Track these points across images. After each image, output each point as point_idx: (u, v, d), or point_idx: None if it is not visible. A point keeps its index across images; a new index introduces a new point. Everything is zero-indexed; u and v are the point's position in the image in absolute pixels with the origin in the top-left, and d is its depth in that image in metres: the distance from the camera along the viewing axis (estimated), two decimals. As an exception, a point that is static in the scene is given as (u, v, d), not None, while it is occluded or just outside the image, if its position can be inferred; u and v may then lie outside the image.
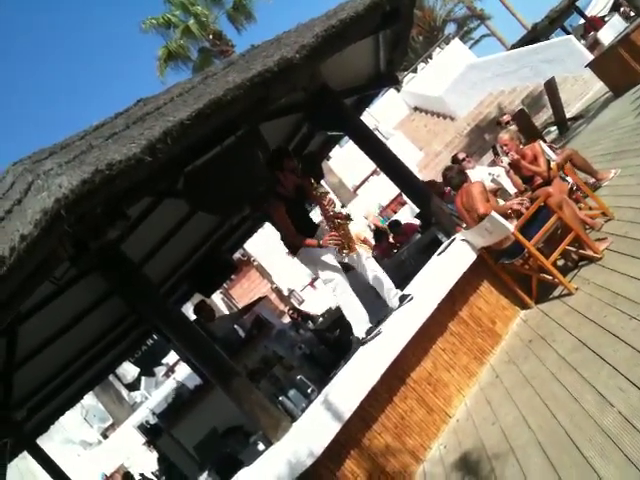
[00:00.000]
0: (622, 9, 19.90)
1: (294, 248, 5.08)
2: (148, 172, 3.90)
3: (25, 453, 7.09)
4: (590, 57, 15.17)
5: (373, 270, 5.20)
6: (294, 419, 4.48)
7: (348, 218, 5.02)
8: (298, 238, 5.01)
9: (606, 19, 19.90)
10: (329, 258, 5.01)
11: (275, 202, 5.14)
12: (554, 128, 13.32)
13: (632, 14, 17.74)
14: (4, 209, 3.80)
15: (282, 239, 5.22)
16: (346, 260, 5.09)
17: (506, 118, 8.95)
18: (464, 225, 5.78)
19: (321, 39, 4.90)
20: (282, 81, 4.77)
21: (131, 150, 3.76)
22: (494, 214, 4.94)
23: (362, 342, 4.85)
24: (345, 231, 4.97)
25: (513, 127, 7.18)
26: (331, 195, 5.20)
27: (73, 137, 4.44)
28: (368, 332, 4.88)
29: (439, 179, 18.02)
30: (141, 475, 9.33)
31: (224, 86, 4.38)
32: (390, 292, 5.18)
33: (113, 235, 4.17)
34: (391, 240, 10.44)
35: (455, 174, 5.88)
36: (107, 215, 4.00)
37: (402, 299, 5.07)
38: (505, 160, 6.32)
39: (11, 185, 3.93)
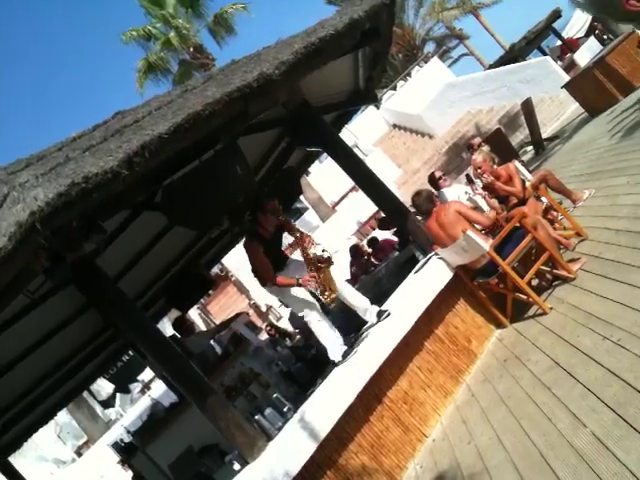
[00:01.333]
0: (597, 32, 20.31)
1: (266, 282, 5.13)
2: (125, 185, 3.88)
3: (-4, 471, 6.95)
4: (566, 78, 15.45)
5: (347, 293, 5.22)
6: (270, 438, 4.45)
7: (329, 262, 5.02)
8: (274, 277, 5.04)
9: (581, 42, 20.30)
10: (298, 292, 5.04)
11: (254, 244, 5.16)
12: (530, 148, 13.50)
13: (606, 37, 18.15)
14: (-22, 221, 3.74)
15: (254, 273, 5.22)
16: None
17: (476, 141, 9.04)
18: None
19: (300, 56, 4.93)
20: (261, 97, 4.79)
21: (108, 163, 3.74)
22: (470, 233, 4.97)
23: (337, 364, 4.85)
24: (325, 274, 4.97)
25: (486, 148, 7.23)
26: (311, 236, 5.22)
27: (50, 148, 4.42)
28: (344, 355, 4.90)
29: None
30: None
31: (203, 100, 4.39)
32: (366, 311, 5.19)
33: (89, 249, 4.15)
34: (368, 256, 10.45)
35: (423, 200, 5.75)
36: (83, 228, 3.97)
37: (380, 314, 5.08)
38: (479, 184, 6.34)
39: (-15, 197, 3.87)
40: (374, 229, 18.58)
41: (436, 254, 5.55)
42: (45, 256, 3.77)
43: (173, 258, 7.82)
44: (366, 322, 5.26)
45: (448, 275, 5.37)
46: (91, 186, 3.57)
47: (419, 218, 6.30)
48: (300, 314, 5.11)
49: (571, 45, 20.77)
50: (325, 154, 8.50)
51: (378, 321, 5.04)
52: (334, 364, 4.94)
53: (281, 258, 5.29)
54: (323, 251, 4.95)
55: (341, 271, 10.56)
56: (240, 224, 6.01)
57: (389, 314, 4.98)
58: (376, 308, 5.21)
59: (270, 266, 5.05)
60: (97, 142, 4.21)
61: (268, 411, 4.79)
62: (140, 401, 15.43)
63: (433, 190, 5.98)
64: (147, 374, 18.25)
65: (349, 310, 5.29)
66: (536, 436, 3.44)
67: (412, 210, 6.39)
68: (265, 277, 5.10)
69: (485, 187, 6.29)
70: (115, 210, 4.60)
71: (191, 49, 22.54)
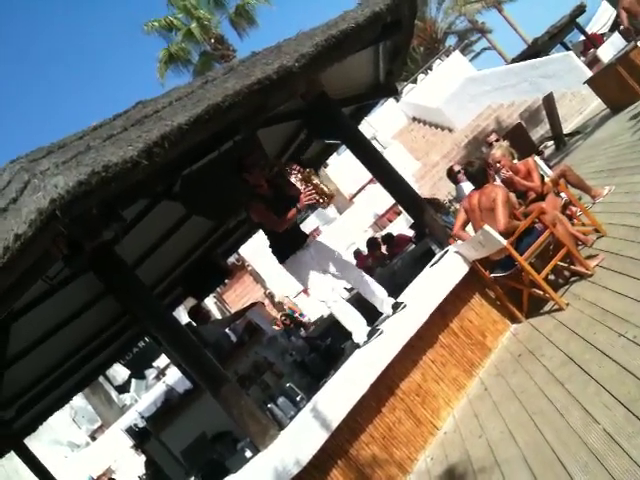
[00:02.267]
0: (621, 27, 19.98)
1: (281, 245, 5.07)
2: (144, 175, 3.92)
3: (12, 453, 7.07)
4: (589, 74, 15.25)
5: (365, 282, 5.21)
6: (282, 427, 4.48)
7: (311, 172, 5.00)
8: (282, 220, 4.92)
9: (605, 37, 20.03)
10: (313, 270, 5.02)
11: (253, 203, 5.06)
12: (551, 143, 13.39)
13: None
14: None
15: (270, 245, 5.16)
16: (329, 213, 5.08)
17: (493, 137, 8.95)
18: (453, 231, 5.73)
19: (321, 49, 4.93)
20: (281, 89, 4.80)
21: (128, 153, 3.78)
22: (487, 227, 4.96)
23: (361, 346, 4.87)
24: (315, 184, 4.92)
25: (505, 143, 7.17)
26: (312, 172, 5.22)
27: (71, 137, 4.45)
28: (369, 334, 4.89)
29: (435, 189, 18.02)
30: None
31: (223, 92, 4.41)
32: (382, 302, 5.18)
33: (108, 236, 4.19)
34: (384, 252, 10.48)
35: (477, 172, 5.56)
36: (102, 216, 4.01)
37: (395, 306, 5.07)
38: (498, 179, 6.32)
39: (7, 183, 3.94)
40: (391, 222, 18.58)
41: (452, 248, 5.55)
42: (64, 243, 3.81)
43: (190, 247, 7.89)
44: (381, 314, 5.27)
45: (464, 269, 5.36)
46: (111, 175, 3.61)
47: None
48: (319, 297, 5.08)
49: (594, 41, 20.50)
50: (343, 146, 8.50)
51: (394, 313, 5.02)
52: (358, 346, 4.93)
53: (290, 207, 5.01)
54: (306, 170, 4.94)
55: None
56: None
57: (405, 306, 4.98)
58: (392, 300, 5.21)
59: (272, 215, 4.93)
60: (117, 131, 4.24)
61: (281, 400, 4.83)
62: (155, 387, 15.60)
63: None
64: (162, 360, 18.44)
65: (364, 302, 5.28)
66: (548, 432, 3.44)
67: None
68: (273, 226, 4.98)
69: (504, 182, 6.26)
70: (134, 199, 4.65)
71: (212, 40, 22.64)
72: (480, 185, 5.49)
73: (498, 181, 6.28)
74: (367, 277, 5.27)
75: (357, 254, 10.92)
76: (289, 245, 5.08)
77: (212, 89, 4.69)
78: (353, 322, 5.03)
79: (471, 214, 5.50)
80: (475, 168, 5.57)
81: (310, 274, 5.02)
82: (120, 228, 4.22)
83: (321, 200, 4.93)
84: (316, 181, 4.96)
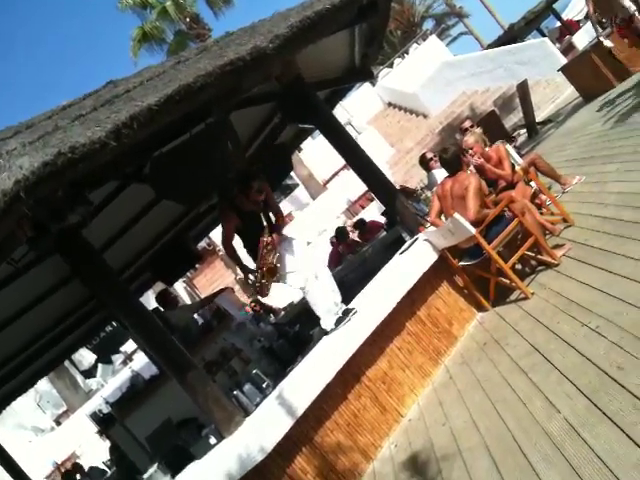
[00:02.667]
0: (596, 13, 20.08)
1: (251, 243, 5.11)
2: (113, 156, 3.85)
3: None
4: (564, 61, 15.35)
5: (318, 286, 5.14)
6: (248, 414, 4.48)
7: (274, 273, 4.99)
8: (230, 249, 5.09)
9: (581, 24, 20.13)
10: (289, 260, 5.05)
11: (227, 211, 5.14)
12: (523, 131, 13.48)
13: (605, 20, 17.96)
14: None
15: (244, 245, 5.23)
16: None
17: (467, 124, 9.00)
18: (428, 226, 5.77)
19: (295, 30, 4.87)
20: (254, 70, 4.73)
21: (96, 134, 3.71)
22: (456, 215, 4.98)
23: (329, 333, 4.88)
24: (267, 281, 4.96)
25: (478, 130, 7.20)
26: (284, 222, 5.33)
27: (40, 116, 4.39)
28: (337, 322, 4.89)
29: (408, 176, 18.02)
30: (90, 468, 9.20)
31: (195, 72, 4.34)
32: (327, 314, 5.03)
33: (74, 219, 4.12)
34: (356, 238, 10.51)
35: (451, 158, 5.53)
36: (69, 199, 3.95)
37: (346, 313, 4.97)
38: (470, 164, 6.33)
39: (-27, 164, 3.84)
40: (364, 208, 18.59)
41: (422, 236, 5.56)
42: (29, 225, 3.74)
43: (160, 231, 7.79)
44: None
45: (433, 257, 5.38)
46: (78, 156, 3.54)
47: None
48: (291, 284, 5.09)
49: (570, 27, 20.59)
50: (318, 130, 8.45)
51: (338, 324, 4.90)
52: (326, 333, 4.93)
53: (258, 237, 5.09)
54: (276, 260, 4.96)
55: (324, 252, 10.67)
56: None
57: (355, 312, 4.91)
58: (342, 307, 5.07)
59: (231, 238, 5.07)
60: (87, 112, 4.17)
61: (247, 387, 4.82)
62: (121, 372, 15.49)
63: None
64: (130, 345, 18.29)
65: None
66: (510, 420, 3.49)
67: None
68: (224, 245, 5.14)
69: (475, 168, 6.28)
70: (103, 181, 4.57)
71: (187, 19, 22.28)
72: (454, 172, 5.49)
73: (471, 167, 6.29)
74: (319, 284, 5.11)
75: (332, 243, 10.91)
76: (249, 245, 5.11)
77: (184, 69, 4.63)
78: (323, 308, 5.01)
79: (443, 201, 5.51)
80: (449, 155, 5.56)
81: (287, 263, 5.05)
82: (86, 212, 4.14)
83: (257, 291, 5.05)
84: (269, 281, 4.99)
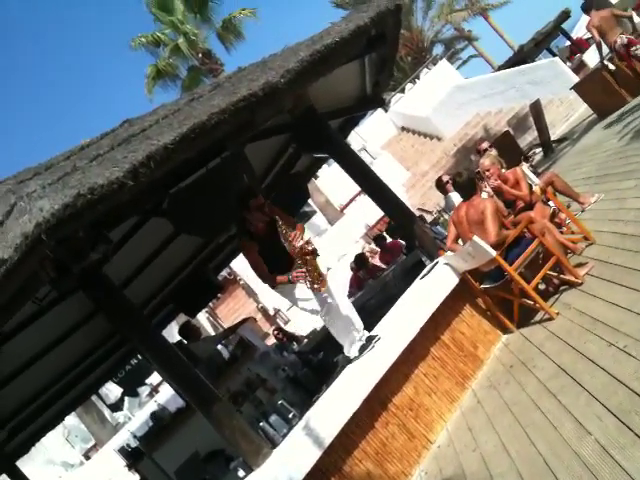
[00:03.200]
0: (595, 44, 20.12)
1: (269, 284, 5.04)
2: (131, 195, 3.90)
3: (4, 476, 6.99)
4: (575, 79, 15.34)
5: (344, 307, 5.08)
6: (275, 445, 4.46)
7: (315, 253, 4.90)
8: (270, 278, 4.91)
9: (591, 42, 20.16)
10: (305, 294, 4.93)
11: (247, 243, 5.04)
12: (539, 150, 13.44)
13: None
14: (-14, 232, 3.79)
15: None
16: (322, 295, 4.94)
17: (484, 145, 9.03)
18: (447, 246, 5.75)
19: (306, 64, 4.95)
20: (267, 105, 4.80)
21: (114, 174, 3.76)
22: (476, 239, 4.97)
23: (353, 361, 4.84)
24: (313, 266, 4.82)
25: (493, 152, 7.22)
26: (304, 230, 5.12)
27: (58, 157, 4.45)
28: (361, 350, 4.85)
29: (425, 199, 18.01)
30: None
31: (209, 110, 4.41)
32: (352, 344, 4.99)
33: (95, 258, 4.17)
34: (377, 262, 10.50)
35: (465, 182, 5.54)
36: (89, 238, 3.99)
37: (369, 340, 4.93)
38: (487, 187, 6.32)
39: (-6, 206, 3.92)
40: (382, 232, 18.58)
41: (442, 259, 5.55)
42: (51, 266, 3.79)
43: (181, 263, 7.85)
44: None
45: (454, 281, 5.36)
46: (97, 197, 3.59)
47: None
48: (312, 313, 5.04)
49: (580, 45, 20.62)
50: (332, 159, 8.51)
51: (363, 351, 4.86)
52: (349, 360, 4.90)
53: (285, 260, 5.00)
54: (307, 243, 4.85)
55: (344, 279, 10.66)
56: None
57: (379, 339, 4.87)
58: (365, 334, 5.04)
59: (263, 265, 4.90)
60: (104, 151, 4.23)
61: (273, 418, 4.80)
62: (148, 405, 15.46)
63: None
64: (155, 377, 18.28)
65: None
66: (541, 444, 3.43)
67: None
68: (260, 276, 4.99)
69: (493, 190, 6.27)
70: (122, 219, 4.63)
71: (200, 55, 22.65)
72: (468, 196, 5.50)
73: (488, 189, 6.27)
74: (339, 312, 5.03)
75: (352, 268, 10.92)
76: (277, 270, 4.99)
77: (198, 107, 4.69)
78: (345, 335, 4.98)
79: (459, 227, 5.51)
80: (463, 178, 5.58)
81: (301, 299, 4.99)
82: (107, 250, 4.19)
83: (315, 285, 4.82)
84: (316, 266, 4.84)
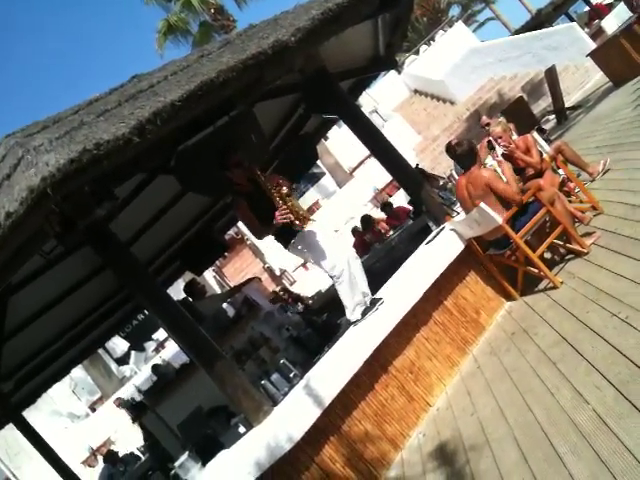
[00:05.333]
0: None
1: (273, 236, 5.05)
2: (137, 152, 3.89)
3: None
4: (593, 46, 15.06)
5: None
6: (276, 403, 4.52)
7: (290, 191, 4.91)
8: (261, 231, 4.96)
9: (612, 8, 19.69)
10: (321, 244, 4.93)
11: (236, 200, 5.06)
12: (552, 117, 13.27)
13: (635, 4, 17.59)
14: (-7, 184, 3.80)
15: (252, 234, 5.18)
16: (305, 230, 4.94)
17: (485, 120, 8.92)
18: (454, 215, 5.74)
19: (317, 22, 4.85)
20: (276, 64, 4.72)
21: (120, 130, 3.74)
22: (483, 205, 4.94)
23: (355, 323, 4.87)
24: (292, 204, 4.84)
25: (503, 119, 7.14)
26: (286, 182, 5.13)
27: (67, 111, 4.41)
28: (364, 312, 4.86)
29: (436, 163, 17.86)
30: (125, 454, 9.39)
31: (217, 67, 4.35)
32: (354, 308, 4.97)
33: (101, 214, 4.17)
34: (384, 225, 10.48)
35: (464, 153, 5.43)
36: (95, 194, 3.99)
37: (373, 303, 4.93)
38: (499, 151, 6.27)
39: (2, 158, 3.93)
40: (391, 196, 18.51)
41: (448, 225, 5.53)
42: (57, 221, 3.79)
43: (188, 222, 7.87)
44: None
45: (460, 247, 5.35)
46: (103, 152, 3.57)
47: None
48: (326, 268, 5.02)
49: (599, 11, 20.17)
50: (342, 120, 8.41)
51: (365, 314, 4.86)
52: (351, 323, 4.92)
53: (273, 209, 4.84)
54: (282, 186, 4.84)
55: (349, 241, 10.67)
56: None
57: (382, 302, 4.87)
58: (369, 299, 5.02)
59: (254, 220, 4.91)
60: (112, 107, 4.20)
61: (275, 376, 4.84)
62: (153, 360, 15.70)
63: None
64: (162, 333, 18.52)
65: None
66: (538, 411, 3.47)
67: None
68: (252, 231, 5.06)
69: (504, 156, 6.22)
70: (128, 175, 4.60)
71: (212, 10, 22.27)
72: (467, 167, 5.41)
73: (499, 152, 6.21)
74: (350, 273, 4.99)
75: (354, 232, 10.93)
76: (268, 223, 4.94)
77: (207, 64, 4.63)
78: (352, 297, 4.95)
79: (463, 204, 5.45)
80: (463, 148, 5.46)
81: (319, 248, 4.97)
82: (112, 207, 4.18)
83: (297, 222, 4.82)
84: (291, 202, 4.85)
